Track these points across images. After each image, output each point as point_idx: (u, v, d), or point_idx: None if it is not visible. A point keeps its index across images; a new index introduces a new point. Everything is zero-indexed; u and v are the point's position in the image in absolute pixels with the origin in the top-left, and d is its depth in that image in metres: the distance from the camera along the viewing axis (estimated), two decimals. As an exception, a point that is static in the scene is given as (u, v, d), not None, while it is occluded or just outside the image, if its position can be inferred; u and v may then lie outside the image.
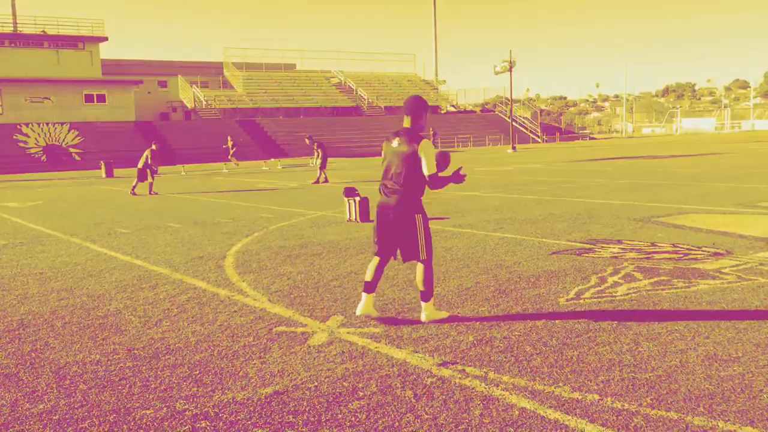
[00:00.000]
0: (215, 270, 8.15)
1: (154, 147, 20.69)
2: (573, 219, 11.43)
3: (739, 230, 9.65)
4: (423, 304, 5.64)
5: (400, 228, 5.56)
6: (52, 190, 24.65)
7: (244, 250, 9.57)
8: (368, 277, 5.71)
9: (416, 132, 5.54)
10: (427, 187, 5.50)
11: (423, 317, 5.63)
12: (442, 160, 5.59)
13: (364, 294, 5.71)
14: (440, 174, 5.50)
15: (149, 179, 20.33)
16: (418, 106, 5.58)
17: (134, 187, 20.29)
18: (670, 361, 4.49)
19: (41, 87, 51.38)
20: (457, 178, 5.59)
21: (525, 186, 18.47)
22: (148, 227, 12.54)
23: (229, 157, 37.53)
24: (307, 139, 24.08)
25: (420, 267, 5.58)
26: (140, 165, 20.48)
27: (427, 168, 5.38)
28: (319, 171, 22.74)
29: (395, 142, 5.54)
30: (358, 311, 5.70)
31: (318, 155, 22.86)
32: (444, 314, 5.68)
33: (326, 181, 22.54)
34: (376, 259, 5.76)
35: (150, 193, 20.24)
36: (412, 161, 5.42)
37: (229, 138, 39.36)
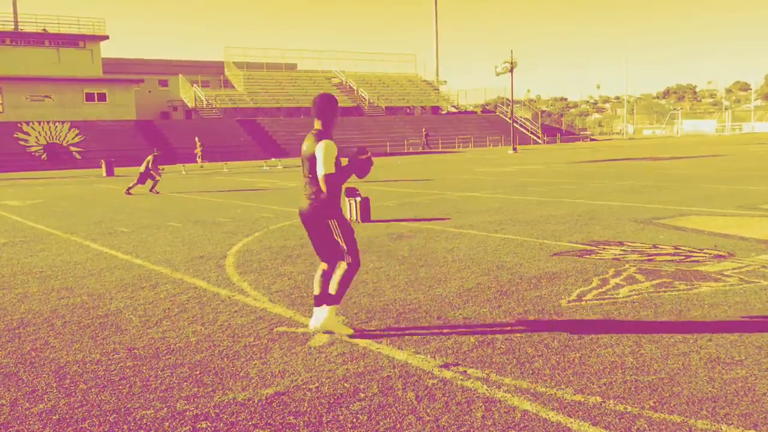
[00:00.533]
0: (216, 270, 8.14)
1: (156, 153, 20.86)
2: (574, 220, 11.41)
3: (740, 232, 9.64)
4: (325, 306, 5.21)
5: (317, 234, 5.26)
6: (53, 188, 24.63)
7: (245, 249, 9.55)
8: (316, 289, 5.33)
9: (327, 133, 5.18)
10: (349, 194, 5.33)
11: (314, 322, 5.25)
12: (358, 162, 5.18)
13: (315, 308, 5.33)
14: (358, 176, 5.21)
15: (150, 182, 20.39)
16: (328, 107, 5.20)
17: (130, 187, 20.26)
18: (672, 363, 4.47)
19: (42, 85, 51.39)
20: (358, 164, 5.17)
21: (526, 187, 18.46)
22: (148, 226, 12.53)
23: (197, 158, 37.50)
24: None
25: (342, 267, 5.22)
26: (142, 169, 20.54)
27: (322, 167, 4.97)
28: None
29: (304, 145, 5.19)
30: (311, 324, 5.34)
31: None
32: (348, 330, 5.26)
33: None
34: (322, 266, 5.40)
35: (151, 191, 20.29)
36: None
37: (196, 139, 39.27)
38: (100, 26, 56.18)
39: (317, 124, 5.22)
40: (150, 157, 20.55)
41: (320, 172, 5.00)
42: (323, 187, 5.03)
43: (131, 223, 13.03)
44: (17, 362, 4.92)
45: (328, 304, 5.22)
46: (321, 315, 5.26)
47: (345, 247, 5.20)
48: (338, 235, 5.18)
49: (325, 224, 5.17)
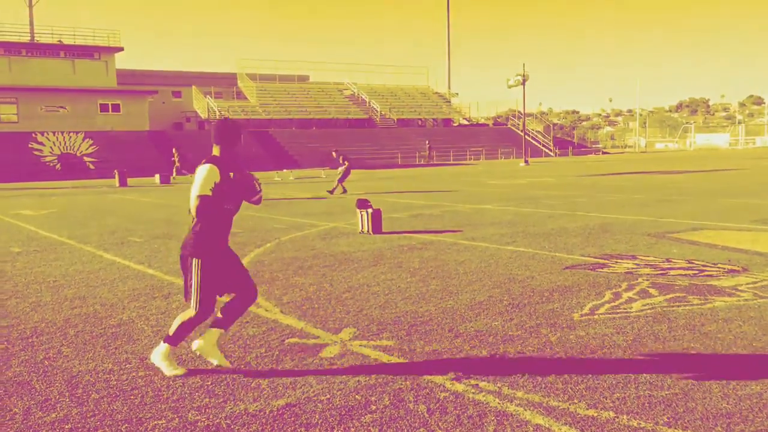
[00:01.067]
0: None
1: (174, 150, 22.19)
2: (586, 233, 11.37)
3: (755, 247, 9.57)
4: (162, 343, 4.79)
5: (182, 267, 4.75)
6: (66, 198, 24.81)
7: (257, 260, 9.57)
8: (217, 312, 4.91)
9: (222, 160, 4.66)
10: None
11: (152, 355, 4.83)
12: (244, 182, 4.71)
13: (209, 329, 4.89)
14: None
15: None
16: (226, 133, 4.73)
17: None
18: (686, 378, 4.43)
19: (57, 96, 51.88)
20: (242, 180, 4.69)
21: (538, 200, 18.42)
22: (161, 236, 12.59)
23: (173, 169, 36.82)
24: (333, 153, 24.67)
25: (188, 312, 4.73)
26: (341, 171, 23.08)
27: (196, 188, 4.47)
28: (337, 182, 23.29)
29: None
30: (194, 346, 4.86)
31: (341, 168, 23.52)
32: (180, 370, 4.74)
33: (344, 191, 23.05)
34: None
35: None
36: None
37: (174, 150, 38.69)
38: (114, 38, 56.74)
39: (215, 150, 4.72)
40: (341, 158, 22.54)
41: (193, 193, 4.49)
42: (193, 211, 4.52)
43: (144, 233, 13.10)
44: (30, 371, 4.95)
45: (165, 342, 4.75)
46: (198, 340, 4.85)
47: (195, 296, 4.63)
48: (195, 278, 4.61)
49: (187, 263, 4.65)
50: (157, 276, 8.60)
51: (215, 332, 4.83)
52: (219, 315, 4.85)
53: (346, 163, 23.40)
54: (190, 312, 4.70)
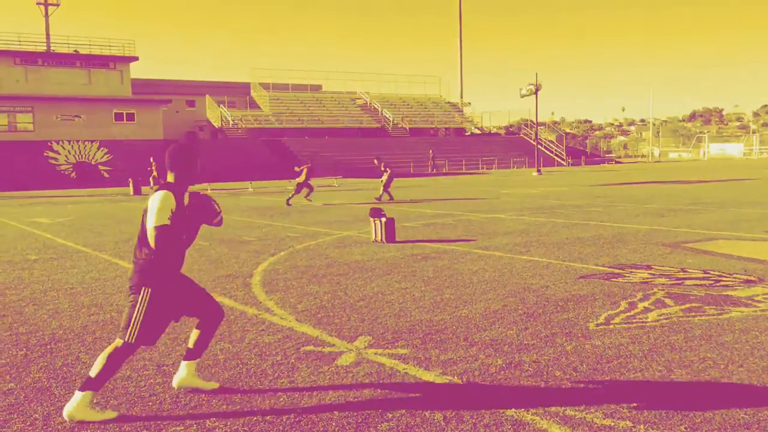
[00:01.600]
0: (242, 288, 8.20)
1: (309, 165, 23.11)
2: (600, 243, 11.34)
3: (770, 257, 9.51)
4: (78, 392, 4.18)
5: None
6: (81, 206, 25.01)
7: (271, 269, 9.62)
8: (189, 343, 4.67)
9: (177, 186, 4.35)
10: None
11: (67, 411, 4.14)
12: (201, 205, 4.43)
13: (183, 362, 4.66)
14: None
15: (305, 190, 22.86)
16: (179, 156, 4.39)
17: (289, 198, 22.60)
18: (703, 389, 4.42)
19: (72, 105, 52.37)
20: (200, 209, 4.40)
21: (551, 209, 18.38)
22: (175, 244, 12.64)
23: (150, 179, 35.91)
24: (375, 160, 25.11)
25: (116, 343, 4.25)
26: (300, 179, 22.67)
27: (153, 218, 4.17)
28: (382, 189, 23.78)
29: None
30: (174, 382, 4.64)
31: (385, 175, 23.94)
32: (111, 414, 4.21)
33: (391, 198, 23.62)
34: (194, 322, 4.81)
35: (306, 198, 23.08)
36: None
37: (151, 159, 37.59)
38: (130, 48, 57.25)
39: (169, 177, 4.39)
40: (305, 168, 22.58)
41: (150, 224, 4.17)
42: (152, 242, 4.16)
43: (159, 241, 13.16)
44: (50, 377, 5.00)
45: (84, 387, 4.17)
46: (180, 372, 4.64)
47: (135, 325, 4.20)
48: (140, 308, 4.21)
49: (136, 293, 4.24)
50: (172, 284, 8.65)
51: (192, 364, 4.63)
52: (190, 347, 4.62)
53: (388, 170, 23.83)
54: (118, 342, 4.23)
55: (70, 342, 5.96)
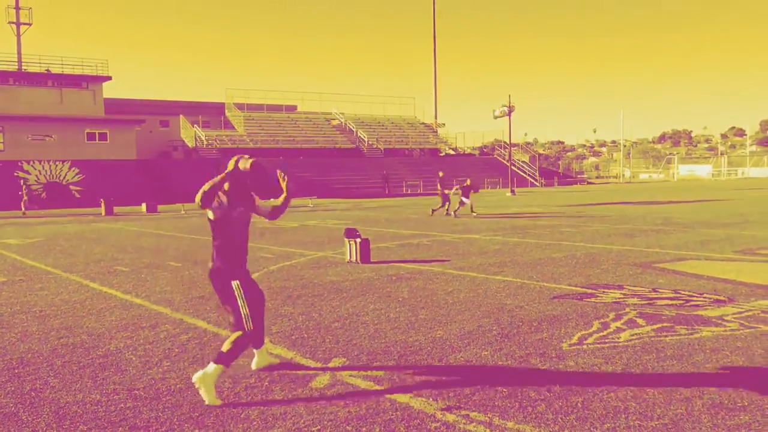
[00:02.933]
0: (216, 310, 8.12)
1: (441, 174, 24.69)
2: (573, 263, 11.43)
3: (739, 277, 9.66)
4: (212, 363, 4.87)
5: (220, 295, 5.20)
6: (52, 227, 24.64)
7: (245, 290, 9.53)
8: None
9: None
10: None
11: (198, 376, 4.79)
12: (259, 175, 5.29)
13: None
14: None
15: (448, 202, 24.12)
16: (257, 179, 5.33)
17: (435, 209, 24.16)
18: (675, 408, 4.46)
19: (44, 125, 51.74)
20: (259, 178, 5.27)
21: (525, 229, 18.51)
22: (147, 266, 12.52)
23: (21, 204, 34.86)
24: (441, 172, 26.36)
25: (236, 333, 5.02)
26: (451, 192, 24.43)
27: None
28: (459, 204, 24.52)
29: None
30: (253, 366, 5.60)
31: (456, 190, 24.94)
32: (218, 401, 4.71)
33: (472, 212, 24.55)
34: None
35: (448, 213, 24.13)
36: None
37: (22, 182, 35.84)
38: (103, 67, 56.84)
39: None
40: (455, 183, 24.20)
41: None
42: (197, 201, 4.99)
43: (130, 263, 13.02)
44: (17, 402, 4.89)
45: (218, 361, 4.88)
46: (257, 358, 5.59)
47: (245, 315, 5.07)
48: (240, 300, 5.12)
49: (227, 286, 5.23)
50: (144, 305, 8.55)
51: (263, 349, 5.57)
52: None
53: (459, 186, 25.07)
54: (238, 333, 4.99)
55: (38, 366, 5.85)
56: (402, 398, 4.77)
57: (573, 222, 20.85)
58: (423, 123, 76.96)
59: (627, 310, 7.54)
